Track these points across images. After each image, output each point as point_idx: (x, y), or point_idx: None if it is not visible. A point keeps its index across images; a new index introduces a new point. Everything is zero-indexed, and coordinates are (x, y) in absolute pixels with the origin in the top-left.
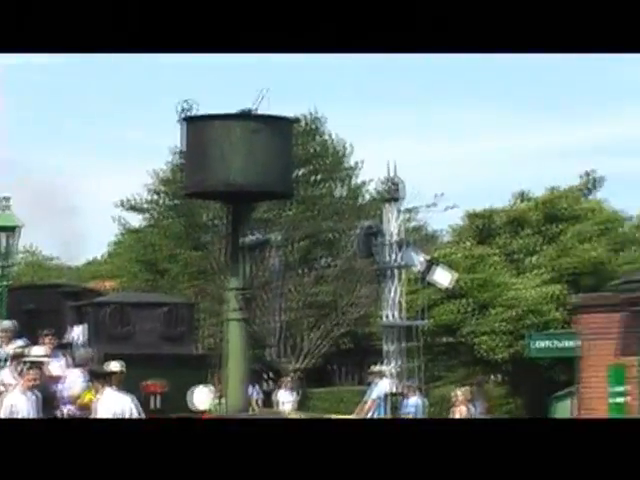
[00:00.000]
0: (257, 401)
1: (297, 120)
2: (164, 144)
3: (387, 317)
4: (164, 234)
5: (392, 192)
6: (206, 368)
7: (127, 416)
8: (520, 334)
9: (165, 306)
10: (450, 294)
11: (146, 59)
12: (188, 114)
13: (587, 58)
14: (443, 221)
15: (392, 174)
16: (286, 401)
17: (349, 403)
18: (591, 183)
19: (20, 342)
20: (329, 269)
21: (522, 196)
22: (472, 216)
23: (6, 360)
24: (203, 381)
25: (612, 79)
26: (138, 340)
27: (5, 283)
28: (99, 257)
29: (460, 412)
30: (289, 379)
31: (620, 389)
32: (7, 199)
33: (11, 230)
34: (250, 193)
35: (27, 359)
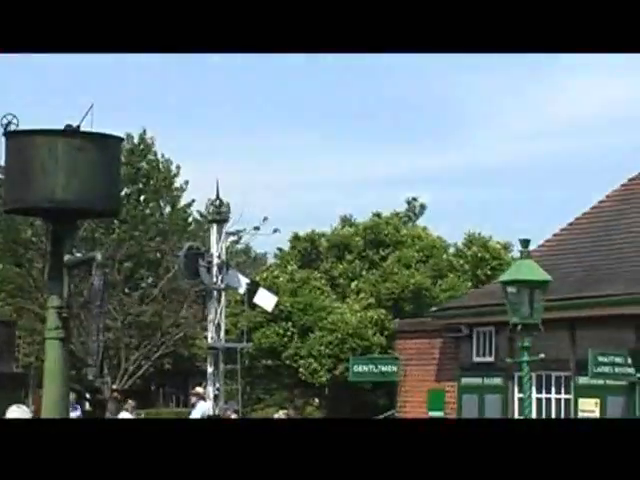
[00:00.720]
0: None
1: (123, 139)
2: None
3: (210, 339)
4: None
5: (217, 213)
6: (23, 387)
7: None
8: (341, 358)
9: None
10: (273, 317)
11: None
12: (9, 128)
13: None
14: (269, 244)
15: (218, 196)
16: None
17: None
18: (414, 210)
19: None
20: (153, 289)
21: (347, 221)
22: (296, 240)
23: None
24: (19, 400)
25: (438, 108)
26: None
27: None
28: None
29: None
30: (132, 403)
31: (439, 414)
32: None
33: None
34: (73, 210)
35: None
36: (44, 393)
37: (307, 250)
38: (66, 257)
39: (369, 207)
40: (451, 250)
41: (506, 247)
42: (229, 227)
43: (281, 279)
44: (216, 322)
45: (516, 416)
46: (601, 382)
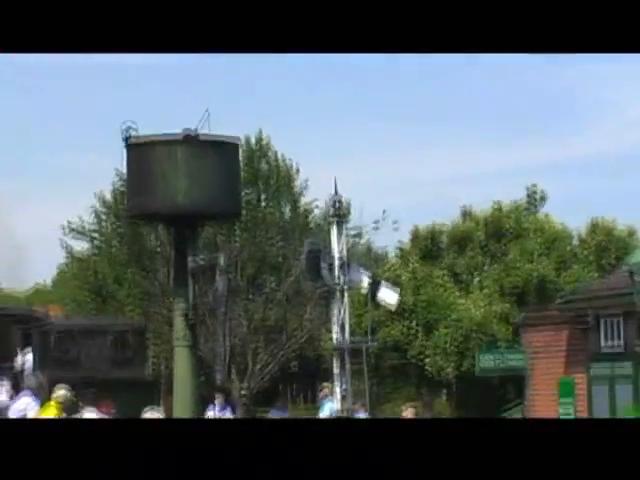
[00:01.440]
0: None
1: (240, 142)
2: (110, 166)
3: (335, 339)
4: (109, 261)
5: (337, 212)
6: (156, 392)
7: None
8: (467, 353)
9: (114, 331)
10: (396, 315)
11: (85, 80)
12: (130, 135)
13: (532, 75)
14: (389, 241)
15: (338, 194)
16: None
17: None
18: (535, 200)
19: None
20: (276, 292)
21: (467, 214)
22: (417, 236)
23: None
24: (153, 404)
25: (553, 97)
26: (87, 364)
27: None
28: (44, 282)
29: None
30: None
31: (569, 400)
32: None
33: None
34: (195, 215)
35: None
36: (175, 399)
37: (428, 246)
38: (190, 262)
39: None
40: (574, 240)
41: (631, 233)
42: (349, 225)
43: (403, 277)
44: (340, 322)
45: None
46: None
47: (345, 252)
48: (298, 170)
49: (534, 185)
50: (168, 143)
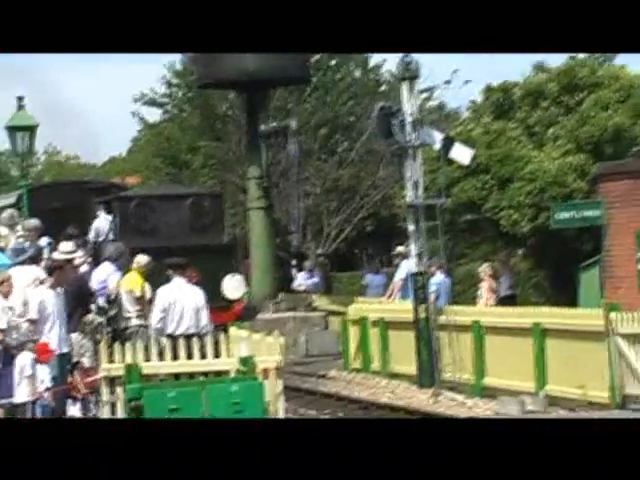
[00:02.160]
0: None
1: None
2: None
3: (409, 197)
4: (181, 127)
5: (407, 70)
6: (234, 257)
7: (192, 305)
8: (543, 206)
9: (192, 197)
10: (470, 171)
11: None
12: None
13: None
14: (461, 98)
15: (407, 54)
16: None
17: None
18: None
19: (45, 239)
20: (349, 153)
21: (540, 68)
22: (489, 91)
23: (34, 257)
24: (232, 270)
25: None
26: (166, 232)
27: (25, 183)
28: (119, 154)
29: (487, 287)
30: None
31: None
32: (21, 98)
33: (28, 130)
34: (264, 80)
35: (55, 256)
36: (252, 261)
37: (500, 101)
38: (261, 127)
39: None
40: None
41: None
42: (420, 84)
43: (475, 132)
44: (413, 180)
45: None
46: None
47: (417, 111)
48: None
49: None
50: None
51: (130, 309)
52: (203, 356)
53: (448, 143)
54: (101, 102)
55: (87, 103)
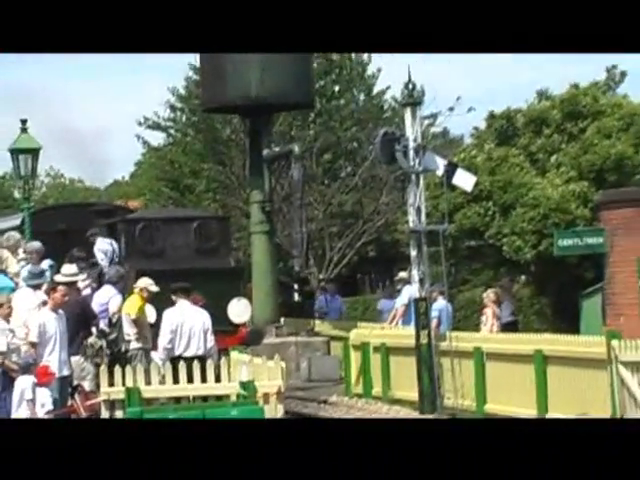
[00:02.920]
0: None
1: None
2: (182, 60)
3: (412, 222)
4: (185, 151)
5: (410, 97)
6: (241, 281)
7: (199, 327)
8: (545, 233)
9: (198, 220)
10: (473, 197)
11: None
12: None
13: None
14: (464, 125)
15: (410, 79)
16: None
17: (376, 311)
18: (614, 78)
19: (48, 262)
20: (352, 178)
21: (543, 95)
22: (492, 117)
23: (36, 276)
24: (238, 294)
25: None
26: (172, 255)
27: (27, 205)
28: (123, 177)
29: (489, 313)
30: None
31: None
32: (24, 121)
33: (31, 152)
34: (268, 105)
35: (58, 278)
36: (254, 285)
37: (503, 127)
38: (265, 151)
39: (567, 80)
40: None
41: None
42: (423, 110)
43: (479, 158)
44: (416, 206)
45: None
46: None
47: (420, 136)
48: (370, 58)
49: (614, 66)
50: None
51: (130, 332)
52: (204, 380)
53: (451, 169)
54: (105, 125)
55: (91, 126)
